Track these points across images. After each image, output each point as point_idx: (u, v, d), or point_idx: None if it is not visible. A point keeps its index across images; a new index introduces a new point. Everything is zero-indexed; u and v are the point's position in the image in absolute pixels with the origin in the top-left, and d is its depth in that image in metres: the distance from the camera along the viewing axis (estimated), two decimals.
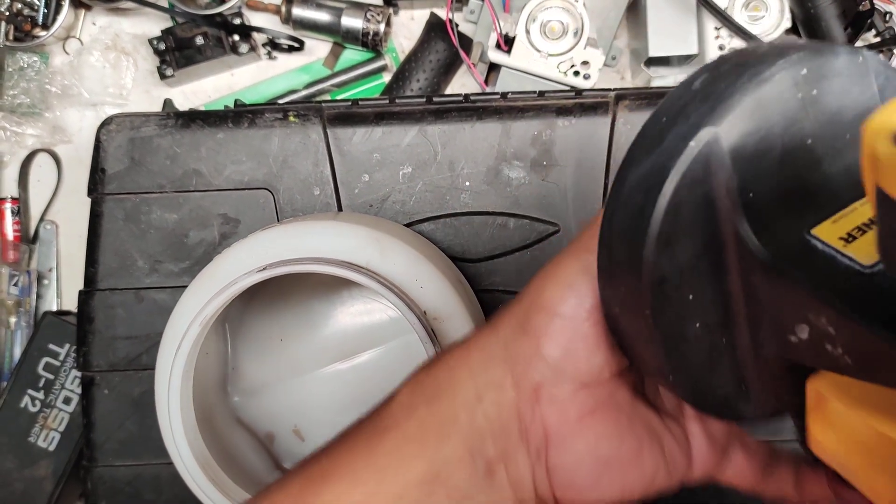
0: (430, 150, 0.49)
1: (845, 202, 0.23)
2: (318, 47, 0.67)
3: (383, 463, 0.26)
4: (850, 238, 0.22)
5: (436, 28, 0.64)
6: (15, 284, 0.63)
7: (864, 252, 0.22)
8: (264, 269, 0.37)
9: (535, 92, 0.51)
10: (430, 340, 0.36)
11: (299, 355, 0.47)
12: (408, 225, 0.49)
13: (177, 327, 0.39)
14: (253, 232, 0.45)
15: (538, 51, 0.58)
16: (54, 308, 0.65)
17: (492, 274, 0.49)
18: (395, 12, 0.66)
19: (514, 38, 0.58)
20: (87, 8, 0.66)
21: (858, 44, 0.60)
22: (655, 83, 0.63)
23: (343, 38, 0.64)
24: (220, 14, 0.63)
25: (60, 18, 0.63)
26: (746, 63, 0.23)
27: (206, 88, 0.66)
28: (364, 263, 0.39)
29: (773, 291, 0.23)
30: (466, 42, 0.63)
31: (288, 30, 0.65)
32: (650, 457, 0.28)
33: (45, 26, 0.63)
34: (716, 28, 0.58)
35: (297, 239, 0.40)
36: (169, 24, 0.65)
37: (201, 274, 0.41)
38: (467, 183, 0.49)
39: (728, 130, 0.22)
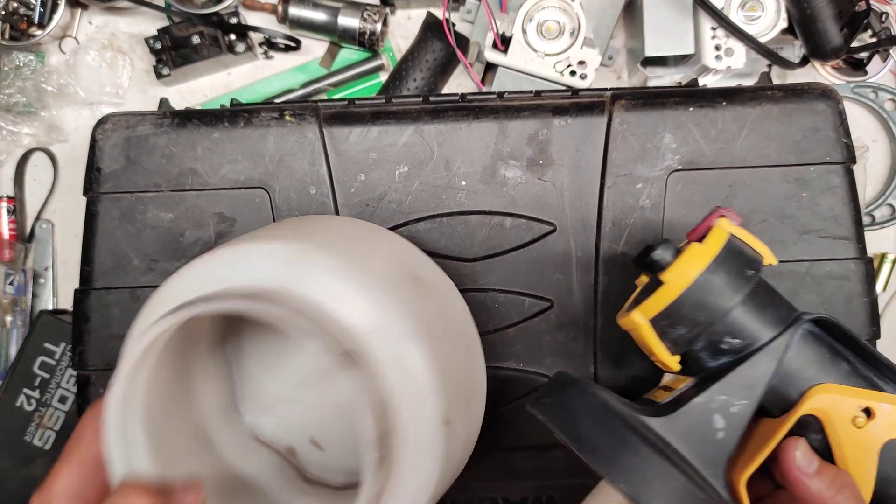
0: (427, 150, 0.49)
1: None
2: (315, 47, 0.67)
3: None
4: None
5: (432, 27, 0.64)
6: (11, 283, 0.63)
7: None
8: (165, 315, 0.33)
9: (531, 91, 0.51)
10: (344, 364, 0.32)
11: (307, 363, 0.46)
12: (403, 224, 0.49)
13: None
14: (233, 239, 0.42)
15: (535, 50, 0.58)
16: (50, 307, 0.65)
17: (488, 273, 0.49)
18: (392, 12, 0.66)
19: (510, 38, 0.58)
20: (84, 7, 0.66)
21: (855, 44, 0.60)
22: (652, 83, 0.63)
23: (340, 37, 0.64)
24: (216, 13, 0.63)
25: (56, 17, 0.63)
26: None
27: (202, 87, 0.66)
28: (279, 286, 0.34)
29: None
30: (463, 42, 0.63)
31: (284, 29, 0.65)
32: None
33: (42, 25, 0.63)
34: (712, 28, 0.58)
35: (213, 272, 0.35)
36: (165, 23, 0.65)
37: (144, 305, 0.37)
38: (463, 182, 0.49)
39: None
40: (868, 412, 0.35)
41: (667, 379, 0.42)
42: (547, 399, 0.36)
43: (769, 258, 0.38)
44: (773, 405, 0.37)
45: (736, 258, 0.36)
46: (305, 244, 0.36)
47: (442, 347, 0.36)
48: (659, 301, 0.36)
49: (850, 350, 0.38)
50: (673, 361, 0.37)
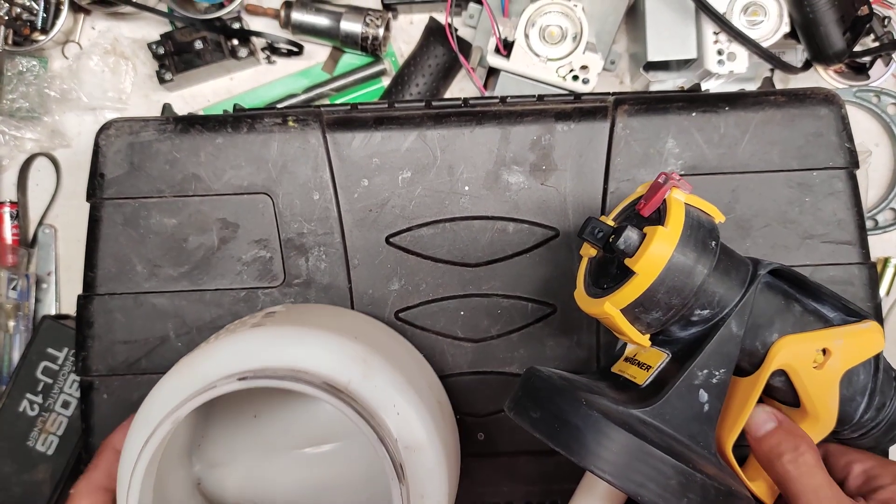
0: (430, 155, 0.49)
1: None
2: (318, 51, 0.67)
3: None
4: None
5: (435, 32, 0.64)
6: (14, 288, 0.63)
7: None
8: (244, 377, 0.35)
9: (534, 96, 0.51)
10: (397, 477, 0.35)
11: (271, 434, 0.46)
12: (406, 230, 0.49)
13: (149, 418, 0.37)
14: (241, 319, 0.44)
15: (537, 55, 0.58)
16: (53, 312, 0.65)
17: (491, 278, 0.49)
18: (395, 17, 0.66)
19: (513, 43, 0.58)
20: (87, 12, 0.66)
21: (857, 48, 0.60)
22: (654, 87, 0.63)
23: (342, 42, 0.64)
24: (219, 18, 0.63)
25: (59, 23, 0.63)
26: None
27: (205, 93, 0.67)
28: (345, 383, 0.37)
29: None
30: (465, 46, 0.63)
31: (287, 34, 0.65)
32: None
33: (45, 30, 0.63)
34: (714, 33, 0.58)
35: (280, 348, 0.38)
36: (168, 28, 0.65)
37: (178, 366, 0.39)
38: (466, 187, 0.49)
39: None
40: (825, 351, 0.38)
41: (631, 348, 0.41)
42: (525, 402, 0.36)
43: (718, 216, 0.38)
44: (743, 361, 0.38)
45: (698, 231, 0.36)
46: (370, 347, 0.40)
47: (453, 464, 0.42)
48: (631, 291, 0.36)
49: (798, 289, 0.40)
50: (644, 339, 0.38)
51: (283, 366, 0.37)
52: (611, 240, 0.37)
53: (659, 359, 0.38)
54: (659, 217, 0.37)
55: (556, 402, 0.35)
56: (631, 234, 0.36)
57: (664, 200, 0.37)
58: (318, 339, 0.39)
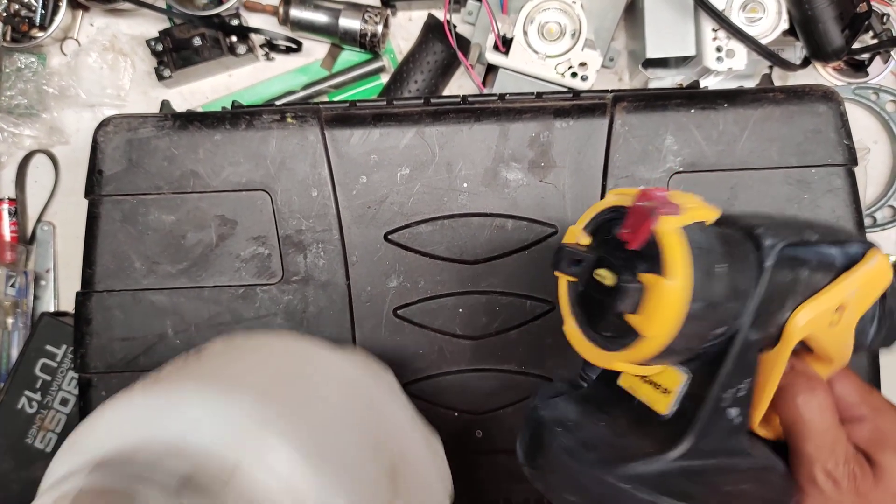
0: (428, 152, 0.49)
1: None
2: (316, 48, 0.67)
3: None
4: None
5: (433, 29, 0.64)
6: (12, 285, 0.62)
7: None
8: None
9: (532, 93, 0.51)
10: None
11: None
12: (405, 227, 0.48)
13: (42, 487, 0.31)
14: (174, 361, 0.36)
15: (536, 52, 0.58)
16: (51, 309, 0.65)
17: (490, 276, 0.49)
18: (393, 13, 0.66)
19: (511, 40, 0.58)
20: (85, 9, 0.66)
21: (856, 45, 0.60)
22: (653, 84, 0.63)
23: (341, 39, 0.64)
24: (217, 15, 0.63)
25: (58, 19, 0.63)
26: None
27: (203, 89, 0.66)
28: (229, 468, 0.27)
29: None
30: (464, 43, 0.63)
31: (286, 31, 0.65)
32: None
33: (43, 27, 0.63)
34: (713, 30, 0.58)
35: (161, 418, 0.29)
36: (166, 25, 0.65)
37: (74, 433, 0.33)
38: (465, 184, 0.49)
39: None
40: (839, 308, 0.35)
41: None
42: (554, 481, 0.33)
43: (711, 215, 0.32)
44: (761, 343, 0.34)
45: (703, 260, 0.30)
46: (267, 409, 0.29)
47: None
48: (644, 350, 0.31)
49: (801, 250, 0.35)
50: (661, 375, 0.35)
51: (158, 442, 0.29)
52: (599, 283, 0.32)
53: (678, 381, 0.34)
54: (650, 251, 0.31)
55: (593, 489, 0.31)
56: (631, 293, 0.30)
57: (649, 232, 0.31)
58: (208, 402, 0.30)
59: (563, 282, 0.36)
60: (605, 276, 0.32)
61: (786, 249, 0.34)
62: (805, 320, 0.34)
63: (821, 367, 0.37)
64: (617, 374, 0.37)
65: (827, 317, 0.35)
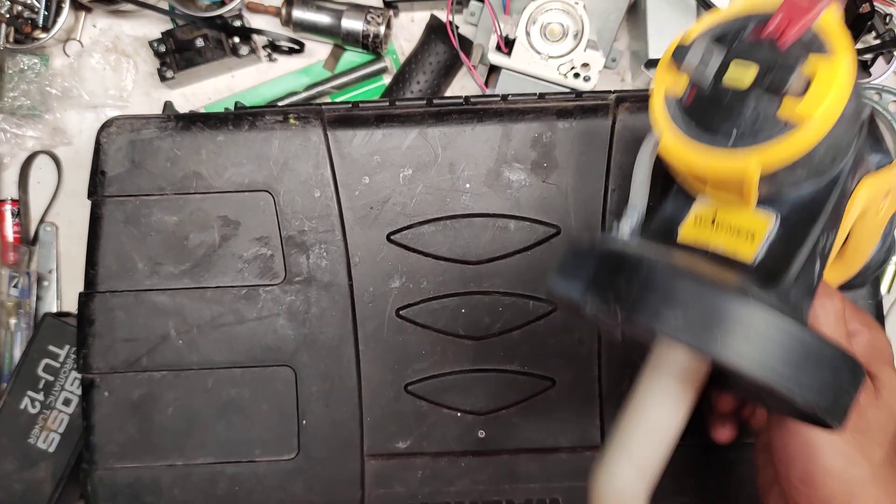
0: (431, 153, 0.49)
1: None
2: (319, 49, 0.67)
3: None
4: None
5: (436, 30, 0.64)
6: (15, 286, 0.63)
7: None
8: None
9: (535, 94, 0.51)
10: None
11: None
12: (408, 227, 0.48)
13: None
14: None
15: (538, 53, 0.58)
16: (54, 309, 0.65)
17: (492, 276, 0.49)
18: (396, 14, 0.66)
19: (514, 41, 0.58)
20: (88, 10, 0.66)
21: (859, 46, 0.60)
22: None
23: (343, 40, 0.64)
24: (220, 16, 0.63)
25: (61, 20, 0.63)
26: None
27: (206, 90, 0.67)
28: None
29: None
30: (466, 44, 0.63)
31: (288, 32, 0.65)
32: None
33: (46, 28, 0.63)
34: None
35: None
36: (169, 26, 0.65)
37: None
38: (468, 185, 0.49)
39: None
40: (888, 193, 0.33)
41: (703, 209, 0.33)
42: (648, 296, 0.27)
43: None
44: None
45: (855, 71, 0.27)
46: None
47: None
48: (795, 145, 0.27)
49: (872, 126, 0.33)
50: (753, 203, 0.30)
51: None
52: (759, 76, 0.28)
53: (765, 225, 0.30)
54: (793, 51, 0.28)
55: (702, 297, 0.26)
56: (794, 77, 0.27)
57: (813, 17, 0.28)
58: None
59: (659, 97, 0.32)
60: (743, 74, 0.29)
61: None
62: (867, 189, 0.31)
63: (833, 271, 0.35)
64: (674, 232, 0.33)
65: (879, 199, 0.32)
